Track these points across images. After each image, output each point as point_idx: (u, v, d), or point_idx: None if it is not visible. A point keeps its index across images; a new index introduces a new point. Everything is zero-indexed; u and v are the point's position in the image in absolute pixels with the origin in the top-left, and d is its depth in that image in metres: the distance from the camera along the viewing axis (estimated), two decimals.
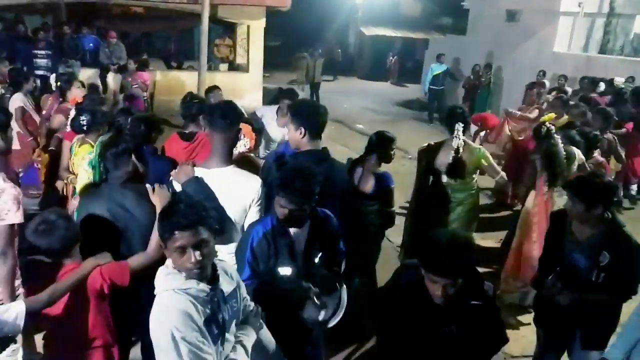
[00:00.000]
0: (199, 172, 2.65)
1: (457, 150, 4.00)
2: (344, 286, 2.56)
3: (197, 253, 1.88)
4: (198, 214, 1.91)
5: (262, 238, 2.43)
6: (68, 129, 4.18)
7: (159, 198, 2.56)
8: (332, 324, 2.48)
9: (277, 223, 2.45)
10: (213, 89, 5.35)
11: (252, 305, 2.26)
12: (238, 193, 2.62)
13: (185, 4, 11.25)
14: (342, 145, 10.03)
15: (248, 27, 12.35)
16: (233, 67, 12.90)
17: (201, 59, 10.90)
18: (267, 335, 2.27)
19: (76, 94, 5.11)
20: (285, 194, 2.32)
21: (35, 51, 9.57)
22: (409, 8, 21.75)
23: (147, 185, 2.62)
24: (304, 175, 2.34)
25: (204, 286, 1.94)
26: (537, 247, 4.15)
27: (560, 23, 12.89)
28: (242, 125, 3.29)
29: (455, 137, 4.00)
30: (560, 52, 12.76)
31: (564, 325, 2.94)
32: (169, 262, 2.00)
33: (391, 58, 20.87)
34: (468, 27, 16.20)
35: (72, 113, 4.33)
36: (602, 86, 9.29)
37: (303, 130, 2.82)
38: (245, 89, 11.57)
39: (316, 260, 2.49)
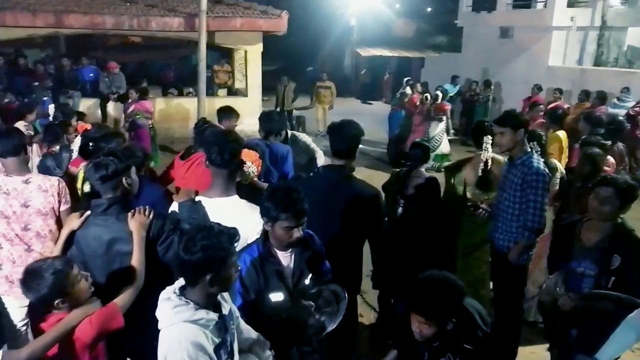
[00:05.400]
0: (200, 199, 2.65)
1: (486, 163, 4.05)
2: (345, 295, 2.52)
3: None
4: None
5: (250, 267, 2.41)
6: (75, 155, 4.21)
7: (135, 223, 2.50)
8: (329, 329, 2.45)
9: (264, 250, 2.43)
10: (227, 111, 4.79)
11: (255, 334, 2.27)
12: (239, 222, 2.52)
13: (182, 31, 11.41)
14: None
15: (245, 52, 12.49)
16: (232, 92, 13.02)
17: (200, 86, 11.00)
18: None
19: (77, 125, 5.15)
20: (289, 214, 2.30)
21: (36, 83, 9.69)
22: (403, 28, 22.04)
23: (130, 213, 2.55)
24: (296, 190, 2.37)
25: (212, 315, 1.95)
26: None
27: (553, 37, 13.06)
28: (249, 153, 3.31)
29: (484, 150, 4.05)
30: (555, 66, 12.90)
31: (567, 331, 2.93)
32: (170, 294, 1.97)
33: (387, 76, 21.08)
34: (462, 45, 16.43)
35: (77, 142, 4.38)
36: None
37: None
38: (245, 113, 11.56)
39: (306, 281, 2.48)
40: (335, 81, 14.30)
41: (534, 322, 4.24)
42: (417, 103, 10.06)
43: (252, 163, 3.25)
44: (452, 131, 10.84)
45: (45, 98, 9.21)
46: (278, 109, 12.83)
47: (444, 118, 9.72)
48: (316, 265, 2.56)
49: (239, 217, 2.58)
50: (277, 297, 2.39)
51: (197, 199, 2.65)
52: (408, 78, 11.69)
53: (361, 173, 9.46)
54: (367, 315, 4.56)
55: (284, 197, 2.31)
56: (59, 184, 3.13)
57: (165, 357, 1.88)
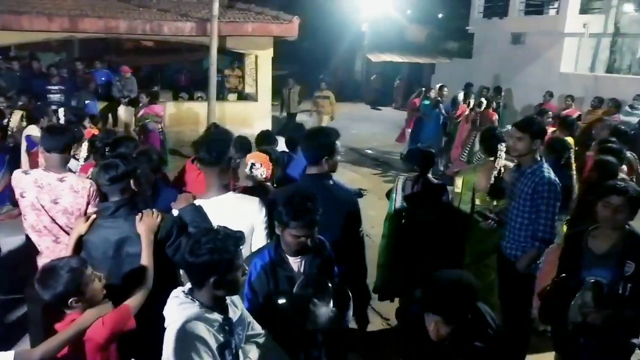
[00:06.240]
0: (200, 202, 2.68)
1: (499, 171, 4.02)
2: (350, 295, 2.54)
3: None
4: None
5: (261, 272, 2.41)
6: (82, 162, 4.24)
7: (144, 226, 2.51)
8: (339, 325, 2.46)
9: (275, 255, 2.43)
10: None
11: (259, 329, 2.28)
12: (240, 216, 2.63)
13: (194, 36, 11.50)
14: (352, 171, 10.06)
15: (256, 57, 12.55)
16: (242, 96, 13.07)
17: (210, 90, 11.06)
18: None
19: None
20: (298, 223, 2.30)
21: (49, 87, 9.82)
22: (414, 34, 21.99)
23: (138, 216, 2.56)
24: (311, 198, 2.35)
25: (217, 316, 1.98)
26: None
27: (565, 44, 12.98)
28: (259, 155, 3.33)
29: (499, 157, 4.03)
30: (568, 73, 12.81)
31: (585, 345, 2.88)
32: (178, 292, 2.02)
33: (398, 82, 21.07)
34: (474, 51, 16.39)
35: (84, 147, 4.39)
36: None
37: None
38: (255, 117, 11.69)
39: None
40: (335, 89, 13.96)
41: (544, 331, 4.19)
42: (466, 113, 9.26)
43: (261, 165, 3.26)
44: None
45: (87, 101, 9.42)
46: (285, 113, 12.84)
47: None
48: (326, 271, 2.56)
49: (239, 210, 2.63)
50: (283, 300, 2.39)
51: (196, 202, 2.68)
52: (442, 85, 10.67)
53: (368, 178, 9.47)
54: (374, 322, 4.54)
55: (297, 205, 2.31)
56: (90, 187, 3.19)
57: (169, 353, 1.90)
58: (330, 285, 2.40)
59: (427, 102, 10.37)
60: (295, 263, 2.46)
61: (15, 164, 5.26)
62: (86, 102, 9.44)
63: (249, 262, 2.45)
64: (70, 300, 2.17)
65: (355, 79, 23.67)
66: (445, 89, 10.52)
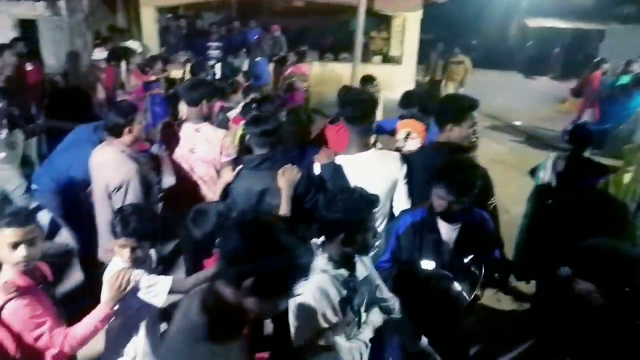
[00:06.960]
0: (341, 159, 2.73)
1: None
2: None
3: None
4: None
5: (410, 227, 2.45)
6: (234, 113, 4.56)
7: (284, 180, 2.63)
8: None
9: (427, 216, 2.43)
10: (368, 80, 5.19)
11: (387, 294, 2.31)
12: (382, 172, 2.69)
13: None
14: (496, 143, 9.49)
15: (404, 19, 12.24)
16: (387, 59, 12.92)
17: (356, 52, 11.10)
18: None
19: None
20: (444, 185, 2.28)
21: (209, 44, 10.66)
22: None
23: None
24: (464, 167, 2.31)
25: (343, 271, 2.08)
26: None
27: None
28: (416, 125, 3.31)
29: None
30: None
31: None
32: (312, 243, 2.13)
33: (557, 50, 19.15)
34: None
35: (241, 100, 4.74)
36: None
37: None
38: (398, 81, 11.49)
39: (465, 261, 2.42)
40: (483, 55, 13.01)
41: None
42: None
43: (417, 134, 3.24)
44: None
45: (258, 59, 9.91)
46: (428, 78, 12.39)
47: None
48: (481, 247, 2.48)
49: (381, 167, 2.68)
50: (428, 265, 2.40)
51: (337, 159, 2.74)
52: None
53: (513, 152, 8.86)
54: (508, 302, 4.35)
55: (445, 169, 2.33)
56: (224, 137, 3.39)
57: (295, 298, 2.03)
58: (479, 277, 2.37)
59: (626, 78, 8.49)
60: (448, 230, 2.43)
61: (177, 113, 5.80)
62: (256, 59, 9.97)
63: (398, 218, 2.52)
64: (217, 240, 2.37)
65: (507, 44, 22.00)
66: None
